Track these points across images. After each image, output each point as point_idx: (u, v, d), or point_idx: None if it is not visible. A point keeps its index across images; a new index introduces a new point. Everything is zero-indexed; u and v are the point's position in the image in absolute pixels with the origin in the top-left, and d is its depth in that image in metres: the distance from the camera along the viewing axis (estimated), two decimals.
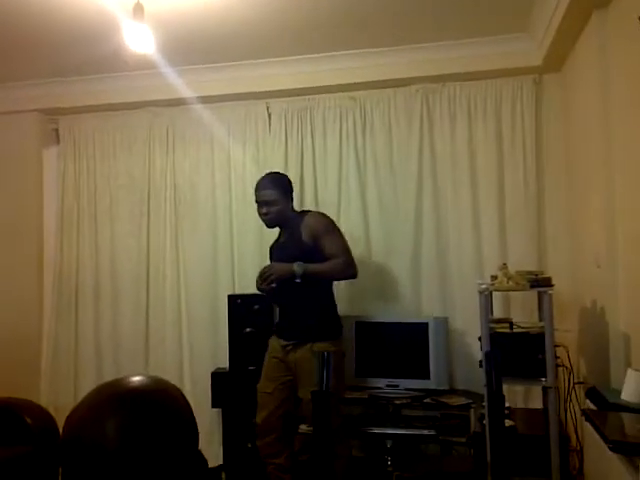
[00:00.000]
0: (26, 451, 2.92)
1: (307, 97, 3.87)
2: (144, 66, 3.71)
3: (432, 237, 3.70)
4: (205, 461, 1.00)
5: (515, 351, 2.69)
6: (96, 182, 4.15)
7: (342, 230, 3.80)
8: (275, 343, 3.10)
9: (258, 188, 3.06)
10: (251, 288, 3.72)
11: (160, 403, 0.96)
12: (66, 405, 3.97)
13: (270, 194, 3.00)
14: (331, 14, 3.16)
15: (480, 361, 2.82)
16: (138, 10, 2.54)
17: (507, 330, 2.78)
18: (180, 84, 3.83)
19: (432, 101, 3.71)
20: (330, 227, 3.05)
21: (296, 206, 3.80)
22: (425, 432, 3.39)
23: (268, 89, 3.84)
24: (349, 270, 2.99)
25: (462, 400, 3.41)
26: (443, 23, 3.32)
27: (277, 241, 3.23)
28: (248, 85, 3.85)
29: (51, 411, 3.38)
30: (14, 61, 3.73)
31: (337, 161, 3.84)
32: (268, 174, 3.15)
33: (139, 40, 2.57)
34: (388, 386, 3.55)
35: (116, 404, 0.93)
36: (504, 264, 2.82)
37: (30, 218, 4.19)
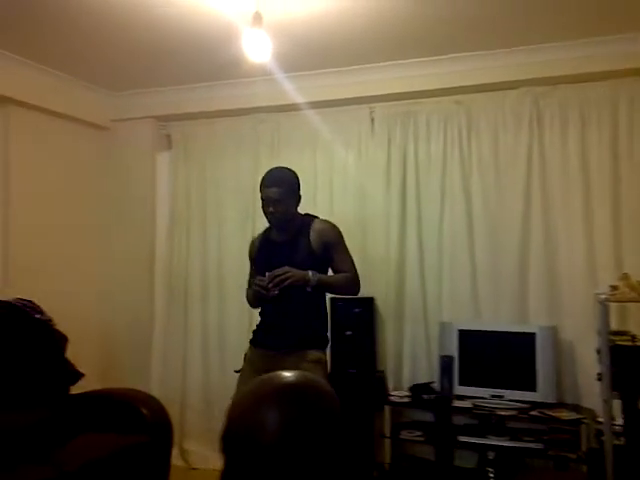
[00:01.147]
0: (144, 440, 3.06)
1: (411, 101, 3.86)
2: (252, 73, 3.83)
3: (540, 243, 3.59)
4: (357, 461, 1.01)
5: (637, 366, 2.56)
6: (205, 186, 4.32)
7: (445, 235, 3.81)
8: (255, 355, 2.85)
9: (265, 184, 2.79)
10: None
11: (318, 399, 0.98)
12: (174, 399, 4.15)
13: (277, 192, 2.74)
14: (439, 18, 3.13)
15: (599, 374, 2.70)
16: (257, 19, 2.63)
17: (629, 343, 2.64)
18: (285, 91, 3.91)
19: (542, 104, 3.59)
20: (341, 239, 2.86)
21: (396, 211, 3.86)
22: (532, 445, 3.30)
23: (372, 94, 3.86)
24: (357, 287, 2.87)
25: (573, 415, 3.28)
26: (554, 23, 3.21)
27: (268, 239, 2.94)
28: (352, 90, 3.88)
29: None
30: (133, 71, 3.95)
31: (441, 166, 3.80)
32: (275, 169, 2.90)
33: (258, 49, 2.65)
34: (492, 396, 3.47)
35: (277, 397, 0.96)
36: (625, 274, 2.69)
37: (144, 220, 4.42)
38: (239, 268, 4.18)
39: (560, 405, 3.41)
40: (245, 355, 2.94)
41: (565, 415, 3.29)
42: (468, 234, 3.73)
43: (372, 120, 3.97)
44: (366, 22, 3.15)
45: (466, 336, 3.59)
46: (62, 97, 4.03)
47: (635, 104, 3.42)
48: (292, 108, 4.04)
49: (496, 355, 3.56)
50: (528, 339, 3.47)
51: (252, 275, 3.00)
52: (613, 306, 3.28)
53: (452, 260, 3.77)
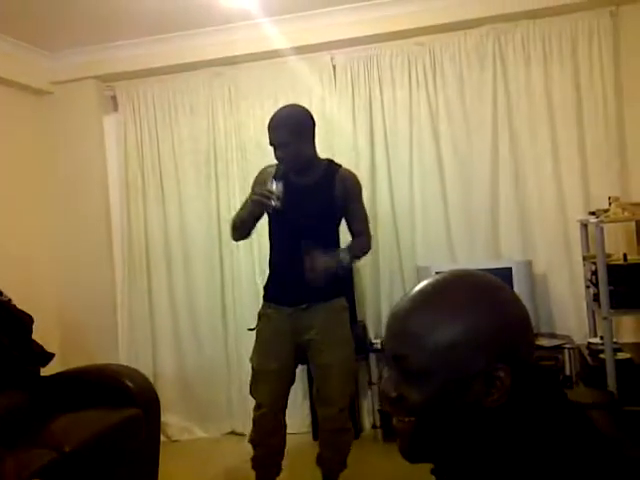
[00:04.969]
0: (135, 413, 2.92)
1: (373, 45, 3.78)
2: (204, 23, 3.64)
3: (510, 182, 3.65)
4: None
5: (631, 283, 2.67)
6: (159, 147, 4.08)
7: (416, 180, 3.80)
8: (273, 313, 2.67)
9: (270, 126, 2.55)
10: None
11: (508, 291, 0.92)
12: (146, 369, 3.96)
13: (283, 135, 2.49)
14: None
15: (595, 294, 2.80)
16: None
17: (621, 262, 2.75)
18: (242, 40, 3.75)
19: (504, 42, 3.61)
20: (361, 193, 2.74)
21: (365, 158, 3.80)
22: None
23: (332, 39, 3.75)
24: (370, 248, 2.76)
25: (554, 341, 3.40)
26: None
27: (287, 180, 2.55)
28: (311, 36, 3.75)
29: None
30: (71, 27, 3.64)
31: (408, 111, 3.76)
32: (283, 108, 2.65)
33: None
34: None
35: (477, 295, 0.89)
36: (616, 197, 2.78)
37: (95, 187, 4.14)
38: (205, 231, 4.05)
39: (537, 335, 3.53)
40: (260, 313, 2.75)
41: (546, 342, 3.41)
42: (439, 177, 3.74)
43: (334, 67, 3.86)
44: None
45: None
46: None
47: (593, 35, 3.50)
48: (249, 59, 3.88)
49: None
50: (505, 274, 3.52)
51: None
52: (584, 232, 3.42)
53: (424, 205, 3.78)
